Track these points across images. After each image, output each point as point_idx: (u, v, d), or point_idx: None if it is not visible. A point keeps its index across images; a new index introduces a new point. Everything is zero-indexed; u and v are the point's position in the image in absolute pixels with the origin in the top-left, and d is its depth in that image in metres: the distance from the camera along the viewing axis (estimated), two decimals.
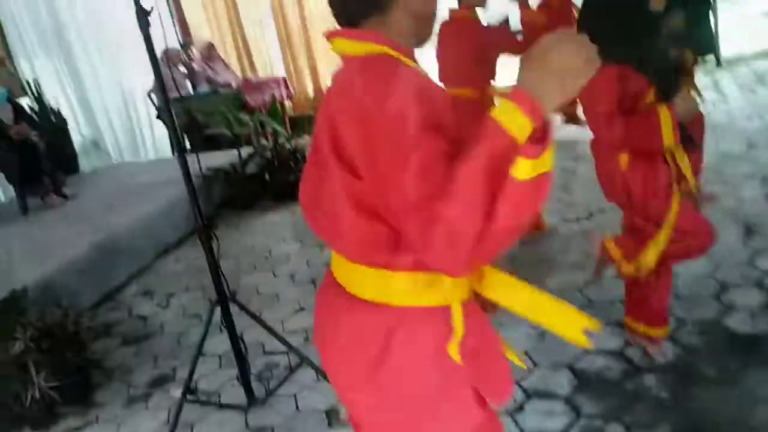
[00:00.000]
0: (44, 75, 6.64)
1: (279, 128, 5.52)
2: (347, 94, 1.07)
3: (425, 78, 1.11)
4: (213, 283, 2.58)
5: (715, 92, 5.93)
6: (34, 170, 5.16)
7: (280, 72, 8.19)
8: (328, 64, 8.21)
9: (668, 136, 2.11)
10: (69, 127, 6.63)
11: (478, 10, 3.42)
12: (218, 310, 2.60)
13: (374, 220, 1.07)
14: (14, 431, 2.90)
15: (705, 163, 3.67)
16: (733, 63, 6.81)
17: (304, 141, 5.93)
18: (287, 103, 7.87)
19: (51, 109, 6.45)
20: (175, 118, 6.48)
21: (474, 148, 0.91)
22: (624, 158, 2.23)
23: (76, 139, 6.77)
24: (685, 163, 2.24)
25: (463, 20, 3.38)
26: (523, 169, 0.90)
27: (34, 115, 6.07)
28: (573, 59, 0.92)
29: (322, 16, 7.95)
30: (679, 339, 2.59)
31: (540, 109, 0.91)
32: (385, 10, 1.14)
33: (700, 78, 6.43)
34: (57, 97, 6.68)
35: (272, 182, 5.35)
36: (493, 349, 1.27)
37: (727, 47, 6.88)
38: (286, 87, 7.60)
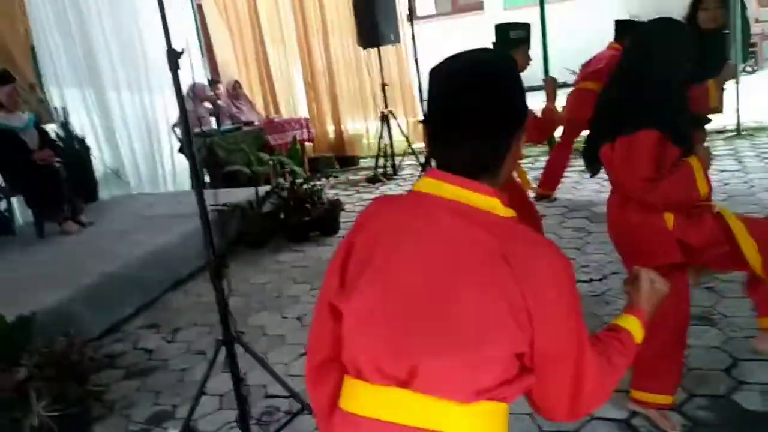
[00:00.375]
0: (72, 103, 6.78)
1: (297, 169, 5.59)
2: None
3: None
4: (221, 322, 2.57)
5: (735, 161, 5.93)
6: (54, 196, 5.23)
7: (303, 113, 8.34)
8: (350, 109, 8.35)
9: (702, 185, 2.19)
10: (92, 155, 6.75)
11: None
12: (223, 350, 2.59)
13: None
14: None
15: None
16: (753, 132, 6.82)
17: (322, 183, 6.00)
18: (308, 145, 7.98)
19: (76, 136, 6.57)
20: (196, 152, 6.62)
21: (619, 357, 1.28)
22: (670, 217, 2.20)
23: (98, 167, 6.87)
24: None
25: None
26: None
27: (59, 142, 6.20)
28: (661, 292, 1.42)
29: (346, 62, 8.12)
30: (687, 412, 2.54)
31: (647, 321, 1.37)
32: (498, 170, 1.23)
33: (720, 146, 6.46)
34: (83, 126, 6.82)
35: (287, 222, 5.38)
36: None
37: (747, 115, 6.91)
38: (308, 128, 7.71)
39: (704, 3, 3.42)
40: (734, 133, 6.82)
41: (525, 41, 3.47)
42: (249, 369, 3.13)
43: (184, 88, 7.32)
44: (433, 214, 1.16)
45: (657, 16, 2.27)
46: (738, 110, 6.75)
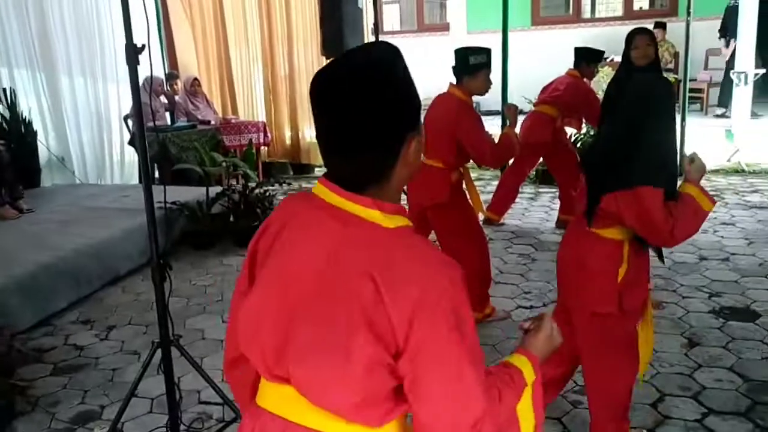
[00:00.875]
0: (22, 85, 6.57)
1: (251, 173, 5.54)
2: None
3: None
4: (158, 323, 2.52)
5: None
6: None
7: (261, 117, 8.27)
8: (309, 116, 8.32)
9: (706, 204, 2.26)
10: (38, 140, 6.55)
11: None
12: (159, 353, 2.54)
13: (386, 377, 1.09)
14: None
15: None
16: None
17: (274, 188, 5.95)
18: (263, 149, 7.92)
19: (23, 120, 6.37)
20: (147, 147, 6.47)
21: (509, 392, 1.18)
22: (623, 271, 2.26)
23: (43, 153, 6.66)
24: None
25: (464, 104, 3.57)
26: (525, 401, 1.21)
27: (4, 124, 6.00)
28: (555, 344, 1.35)
29: (308, 70, 8.11)
30: None
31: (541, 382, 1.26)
32: (388, 177, 1.15)
33: None
34: (31, 109, 6.60)
35: (236, 225, 5.32)
36: None
37: None
38: (265, 133, 7.65)
39: (634, 42, 3.78)
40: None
41: (485, 66, 3.54)
42: (183, 373, 3.09)
43: (141, 80, 7.19)
44: (321, 220, 1.14)
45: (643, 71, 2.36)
46: (681, 153, 6.98)
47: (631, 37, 3.83)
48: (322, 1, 6.90)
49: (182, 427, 2.72)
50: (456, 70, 3.60)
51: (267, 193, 5.55)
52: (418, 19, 11.87)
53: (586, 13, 11.49)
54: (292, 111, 8.30)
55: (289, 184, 6.08)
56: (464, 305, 1.08)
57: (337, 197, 1.13)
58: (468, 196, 3.81)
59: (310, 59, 8.09)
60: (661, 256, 2.46)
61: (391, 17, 13.43)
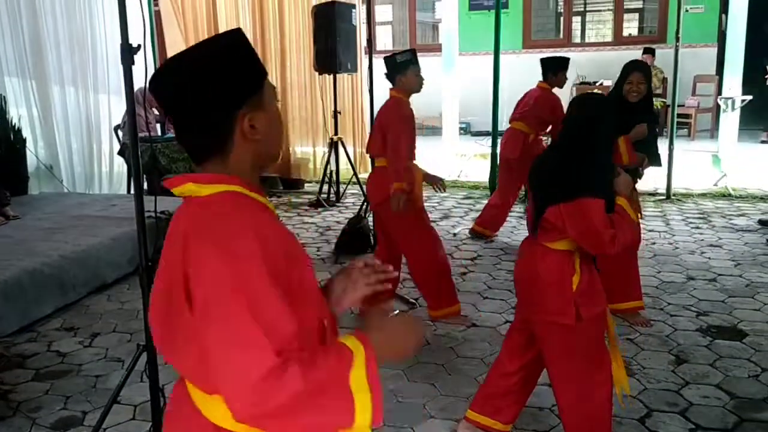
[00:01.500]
0: (12, 93, 6.54)
1: None
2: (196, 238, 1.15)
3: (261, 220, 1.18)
4: (144, 328, 2.49)
5: (663, 222, 6.20)
6: None
7: None
8: (300, 132, 8.35)
9: (634, 216, 2.45)
10: (27, 148, 6.50)
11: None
12: (144, 357, 2.51)
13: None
14: None
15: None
16: (682, 198, 7.16)
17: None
18: None
19: (12, 127, 6.33)
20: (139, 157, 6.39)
21: (327, 359, 1.10)
22: (576, 280, 2.33)
23: (32, 161, 6.62)
24: None
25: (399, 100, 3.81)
26: (357, 379, 1.11)
27: None
28: (406, 343, 1.26)
29: (300, 86, 8.15)
30: None
31: (375, 358, 1.14)
32: (227, 152, 1.21)
33: (650, 208, 6.75)
34: (21, 117, 6.57)
35: None
36: None
37: (678, 182, 7.26)
38: None
39: (630, 78, 3.82)
40: (664, 197, 7.14)
41: (412, 63, 3.79)
42: (168, 380, 3.05)
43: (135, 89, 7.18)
44: (181, 207, 1.25)
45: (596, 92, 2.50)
46: (669, 176, 7.09)
47: (627, 72, 3.84)
48: (316, 17, 6.99)
49: None
50: (389, 75, 3.86)
51: None
52: (410, 40, 11.99)
53: (576, 38, 11.67)
54: (284, 125, 8.30)
55: (279, 197, 6.07)
56: (241, 275, 1.07)
57: (193, 185, 1.22)
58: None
59: (303, 74, 8.13)
60: (596, 264, 2.49)
61: (384, 37, 13.56)
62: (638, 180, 3.81)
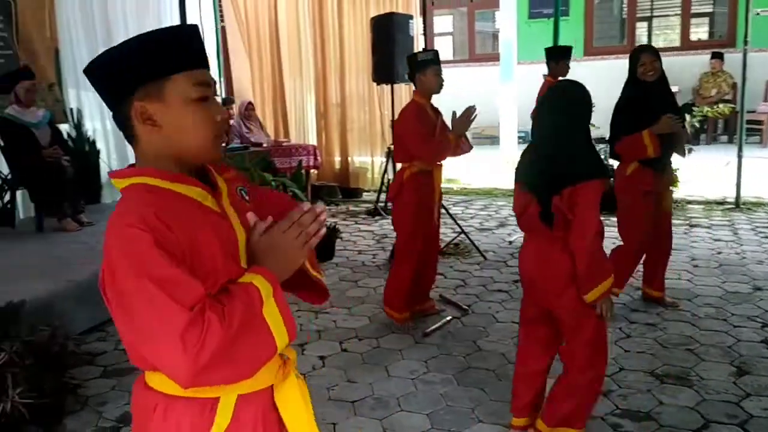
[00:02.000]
0: (89, 107, 6.92)
1: (299, 192, 5.66)
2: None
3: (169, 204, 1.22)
4: None
5: (730, 232, 5.99)
6: (57, 193, 5.30)
7: (312, 141, 8.46)
8: (359, 142, 8.47)
9: None
10: (101, 159, 6.85)
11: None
12: None
13: None
14: None
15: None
16: (752, 206, 6.90)
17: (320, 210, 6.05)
18: (313, 172, 8.08)
19: (87, 139, 6.68)
20: None
21: (236, 302, 1.16)
22: None
23: (105, 171, 6.96)
24: None
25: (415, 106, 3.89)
26: (270, 312, 1.20)
27: (70, 142, 6.31)
28: (296, 252, 1.28)
29: (359, 97, 8.29)
30: None
31: (277, 280, 1.24)
32: (135, 140, 1.26)
33: (717, 217, 6.52)
34: (96, 130, 6.94)
35: None
36: None
37: (747, 191, 7.00)
38: (315, 156, 7.81)
39: (641, 60, 3.89)
40: (733, 206, 6.89)
41: (433, 62, 3.83)
42: None
43: None
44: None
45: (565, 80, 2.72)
46: (738, 184, 6.84)
47: (636, 56, 3.94)
48: (374, 28, 7.10)
49: None
50: (410, 75, 3.95)
51: None
52: (469, 50, 12.00)
53: (641, 43, 11.41)
54: (342, 136, 8.46)
55: (337, 205, 6.19)
56: (139, 262, 1.13)
57: (115, 180, 1.31)
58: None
59: (362, 87, 8.26)
60: None
61: (444, 47, 13.61)
62: (687, 154, 4.14)
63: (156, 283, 1.12)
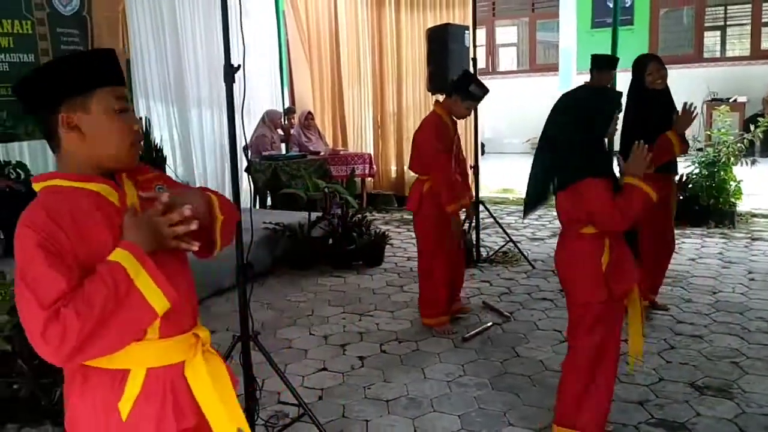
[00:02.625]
0: (157, 116, 7.29)
1: (351, 199, 5.79)
2: None
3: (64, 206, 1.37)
4: (240, 321, 2.75)
5: None
6: None
7: (369, 150, 8.61)
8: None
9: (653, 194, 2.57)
10: (167, 165, 7.19)
11: None
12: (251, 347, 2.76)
13: None
14: (36, 424, 3.09)
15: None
16: None
17: (374, 216, 6.19)
18: (369, 180, 8.22)
19: (155, 146, 7.03)
20: (261, 173, 6.88)
21: (98, 286, 1.29)
22: (605, 260, 2.50)
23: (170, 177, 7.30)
24: None
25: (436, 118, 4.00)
26: (142, 283, 1.33)
27: None
28: (159, 236, 1.39)
29: (414, 106, 8.39)
30: None
31: (143, 253, 1.35)
32: (59, 148, 1.43)
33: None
34: (163, 138, 7.29)
35: (333, 248, 5.57)
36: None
37: None
38: (371, 165, 7.95)
39: (648, 69, 3.96)
40: None
41: (472, 98, 3.92)
42: (267, 376, 3.30)
43: (260, 114, 7.72)
44: None
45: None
46: None
47: (644, 64, 3.99)
48: (430, 39, 7.19)
49: (259, 421, 2.91)
50: (452, 87, 3.99)
51: (365, 220, 5.78)
52: (530, 60, 11.94)
53: (711, 53, 11.09)
54: (399, 146, 8.58)
55: (387, 212, 6.29)
56: (24, 256, 1.31)
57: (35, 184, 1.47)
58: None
59: (418, 97, 8.37)
60: (636, 251, 2.65)
61: (507, 58, 13.60)
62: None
63: (27, 283, 1.29)
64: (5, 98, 5.49)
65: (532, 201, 2.68)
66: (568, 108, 2.56)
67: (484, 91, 3.98)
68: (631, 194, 2.41)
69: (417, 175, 4.12)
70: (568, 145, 2.48)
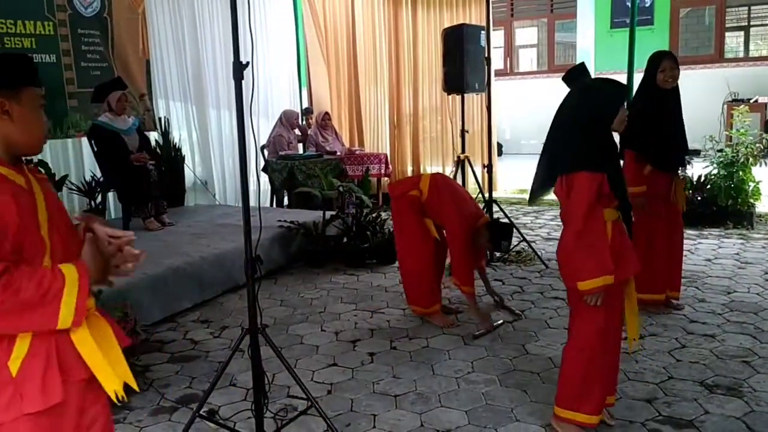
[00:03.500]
0: (176, 116, 7.40)
1: (365, 198, 5.83)
2: None
3: None
4: (248, 314, 2.80)
5: None
6: (142, 195, 5.71)
7: (385, 150, 8.65)
8: (431, 151, 8.59)
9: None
10: (186, 165, 7.30)
11: None
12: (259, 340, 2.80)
13: None
14: None
15: None
16: None
17: (387, 216, 6.19)
18: (385, 180, 8.26)
19: (174, 146, 7.14)
20: (278, 173, 6.95)
21: (34, 281, 1.48)
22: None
23: (189, 177, 7.41)
24: None
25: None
26: (68, 294, 1.52)
27: (157, 148, 6.77)
28: (107, 265, 1.67)
29: (431, 107, 8.42)
30: None
31: (87, 273, 1.56)
32: None
33: None
34: (182, 138, 7.41)
35: (347, 246, 5.61)
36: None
37: None
38: (386, 164, 7.99)
39: (662, 66, 3.94)
40: None
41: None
42: (278, 371, 3.35)
43: (277, 114, 7.80)
44: None
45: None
46: None
47: (658, 61, 3.96)
48: (446, 39, 7.21)
49: (268, 414, 2.95)
50: (490, 234, 4.10)
51: (379, 219, 5.82)
52: (549, 60, 11.90)
53: (731, 52, 10.96)
54: (414, 146, 8.61)
55: None
56: None
57: None
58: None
59: (434, 98, 8.40)
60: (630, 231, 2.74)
61: (527, 59, 13.56)
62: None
63: None
64: None
65: (536, 187, 2.74)
66: (576, 97, 2.62)
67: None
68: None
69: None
70: (570, 135, 2.54)
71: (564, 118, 2.60)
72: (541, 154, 2.72)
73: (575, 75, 5.32)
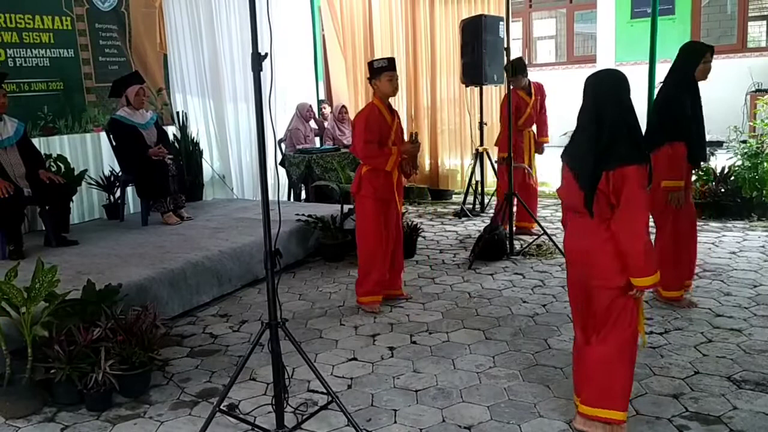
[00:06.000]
0: (193, 111, 7.39)
1: None
2: None
3: None
4: (268, 307, 2.77)
5: None
6: (160, 189, 5.71)
7: None
8: (449, 144, 8.52)
9: None
10: (204, 159, 7.30)
11: None
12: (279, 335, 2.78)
13: None
14: (72, 407, 3.19)
15: None
16: None
17: (406, 209, 6.17)
18: None
19: (191, 140, 7.14)
20: (295, 167, 6.94)
21: None
22: None
23: (207, 171, 7.41)
24: None
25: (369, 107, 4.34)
26: None
27: (175, 143, 6.77)
28: None
29: (449, 99, 8.34)
30: None
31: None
32: None
33: None
34: (199, 132, 7.40)
35: None
36: None
37: None
38: None
39: (705, 57, 3.86)
40: None
41: (386, 69, 4.21)
42: (298, 365, 3.34)
43: (293, 108, 7.77)
44: None
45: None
46: None
47: (702, 52, 3.89)
48: (464, 31, 7.15)
49: (288, 409, 2.93)
50: (369, 80, 4.31)
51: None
52: (567, 51, 11.76)
53: (754, 42, 10.76)
54: (433, 139, 8.54)
55: (419, 204, 6.27)
56: None
57: None
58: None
59: (452, 90, 8.32)
60: None
61: (545, 50, 13.41)
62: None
63: None
64: (46, 93, 5.64)
65: (587, 190, 2.54)
66: (617, 87, 2.56)
67: (386, 60, 4.26)
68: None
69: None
70: (618, 127, 2.49)
71: (606, 113, 2.52)
72: (580, 155, 2.58)
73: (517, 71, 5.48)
